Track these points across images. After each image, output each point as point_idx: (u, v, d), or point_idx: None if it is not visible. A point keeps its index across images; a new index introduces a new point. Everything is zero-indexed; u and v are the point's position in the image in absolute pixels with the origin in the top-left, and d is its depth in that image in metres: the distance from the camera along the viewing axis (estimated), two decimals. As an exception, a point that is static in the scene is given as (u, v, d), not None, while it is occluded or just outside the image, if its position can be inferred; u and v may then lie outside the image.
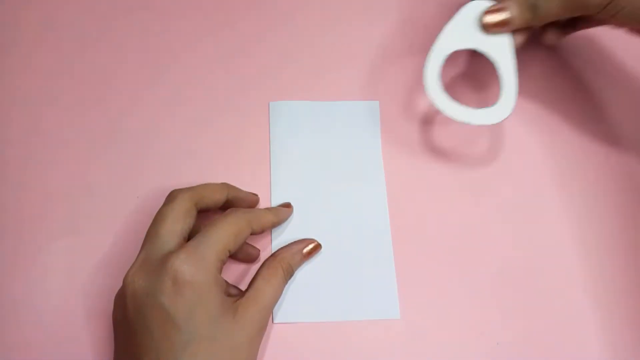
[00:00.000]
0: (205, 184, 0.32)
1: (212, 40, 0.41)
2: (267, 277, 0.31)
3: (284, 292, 0.33)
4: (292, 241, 0.35)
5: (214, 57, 0.41)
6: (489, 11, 0.33)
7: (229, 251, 0.29)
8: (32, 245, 0.34)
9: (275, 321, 0.33)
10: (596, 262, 0.35)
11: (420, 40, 0.42)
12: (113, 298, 0.29)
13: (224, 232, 0.28)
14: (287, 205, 0.36)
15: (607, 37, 0.40)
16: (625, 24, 0.31)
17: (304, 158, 0.37)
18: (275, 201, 0.36)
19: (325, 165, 0.37)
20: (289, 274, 0.32)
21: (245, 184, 0.35)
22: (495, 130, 0.38)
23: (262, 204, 0.36)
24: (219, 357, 0.27)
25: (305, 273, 0.34)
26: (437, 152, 0.38)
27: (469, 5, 0.34)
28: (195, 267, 0.27)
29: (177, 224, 0.29)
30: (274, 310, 0.33)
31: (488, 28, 0.33)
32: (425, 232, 0.36)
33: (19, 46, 0.40)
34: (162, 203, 0.30)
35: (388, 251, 0.35)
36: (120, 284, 0.29)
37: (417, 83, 0.40)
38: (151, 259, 0.28)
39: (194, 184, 0.32)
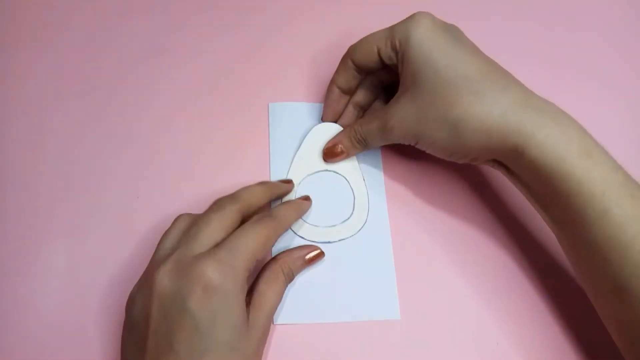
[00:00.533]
0: (248, 190, 0.32)
1: (214, 42, 0.41)
2: (269, 282, 0.31)
3: (284, 293, 0.33)
4: (292, 243, 0.35)
5: (215, 59, 0.41)
6: (327, 147, 0.36)
7: (257, 260, 0.29)
8: (33, 245, 0.34)
9: (276, 322, 0.33)
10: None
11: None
12: (114, 298, 0.29)
13: (252, 242, 0.28)
14: (307, 198, 0.36)
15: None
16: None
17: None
18: (275, 201, 0.36)
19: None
20: (289, 278, 0.32)
21: (245, 184, 0.35)
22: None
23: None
24: None
25: (305, 274, 0.34)
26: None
27: (313, 130, 0.38)
28: (224, 276, 0.26)
29: (221, 232, 0.29)
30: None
31: (328, 159, 0.36)
32: (425, 231, 0.36)
33: (22, 46, 0.40)
34: (162, 203, 0.30)
35: (388, 251, 0.35)
36: (121, 284, 0.29)
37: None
38: (183, 261, 0.27)
39: (194, 184, 0.32)
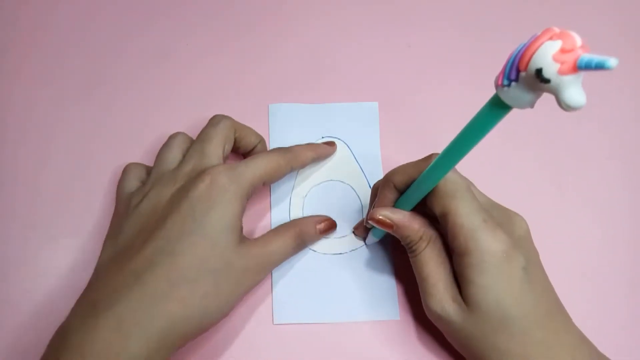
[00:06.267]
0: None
1: (215, 44, 0.42)
2: (278, 232, 0.32)
3: (283, 293, 0.33)
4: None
5: (216, 60, 0.41)
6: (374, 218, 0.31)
7: (264, 183, 0.31)
8: (33, 245, 0.35)
9: (275, 322, 0.33)
10: (596, 262, 0.35)
11: (418, 40, 0.42)
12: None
13: (263, 164, 0.31)
14: (331, 144, 0.37)
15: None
16: None
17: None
18: (275, 201, 0.36)
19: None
20: (300, 238, 0.32)
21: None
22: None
23: (261, 204, 0.36)
24: (211, 262, 0.28)
25: (305, 274, 0.34)
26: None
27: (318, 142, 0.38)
28: (229, 180, 0.29)
29: (219, 147, 0.32)
30: (273, 312, 0.33)
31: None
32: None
33: (18, 46, 0.41)
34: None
35: (387, 252, 0.35)
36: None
37: (417, 83, 0.40)
38: (197, 170, 0.31)
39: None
